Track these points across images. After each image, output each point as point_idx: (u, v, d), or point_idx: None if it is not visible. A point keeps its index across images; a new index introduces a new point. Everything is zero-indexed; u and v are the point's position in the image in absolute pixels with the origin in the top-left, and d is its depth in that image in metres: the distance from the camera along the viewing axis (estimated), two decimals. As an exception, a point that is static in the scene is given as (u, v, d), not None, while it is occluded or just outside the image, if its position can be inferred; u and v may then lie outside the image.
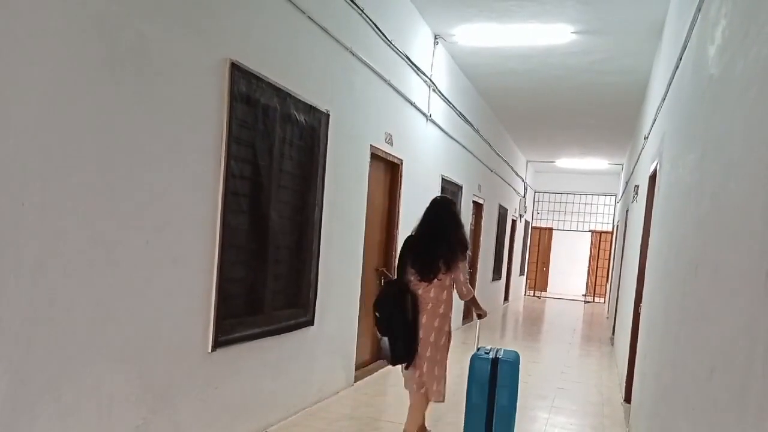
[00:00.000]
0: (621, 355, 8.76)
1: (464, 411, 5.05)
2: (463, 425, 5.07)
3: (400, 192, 8.06)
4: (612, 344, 12.06)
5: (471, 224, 12.59)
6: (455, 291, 5.18)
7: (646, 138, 7.88)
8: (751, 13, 2.37)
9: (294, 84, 5.23)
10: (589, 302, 22.57)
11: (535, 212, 23.50)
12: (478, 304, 5.44)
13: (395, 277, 5.34)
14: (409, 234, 5.29)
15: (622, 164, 17.43)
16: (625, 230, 12.07)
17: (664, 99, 5.81)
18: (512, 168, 16.96)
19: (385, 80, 7.19)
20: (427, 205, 5.38)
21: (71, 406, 3.30)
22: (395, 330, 5.01)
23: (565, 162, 19.54)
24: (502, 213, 16.06)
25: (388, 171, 7.90)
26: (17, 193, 2.87)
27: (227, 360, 4.66)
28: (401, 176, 8.07)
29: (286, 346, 5.53)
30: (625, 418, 6.69)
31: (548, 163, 20.36)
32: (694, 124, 3.67)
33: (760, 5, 2.22)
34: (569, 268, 23.89)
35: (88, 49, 3.22)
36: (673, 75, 5.08)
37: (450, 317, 5.20)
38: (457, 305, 5.66)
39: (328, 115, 5.83)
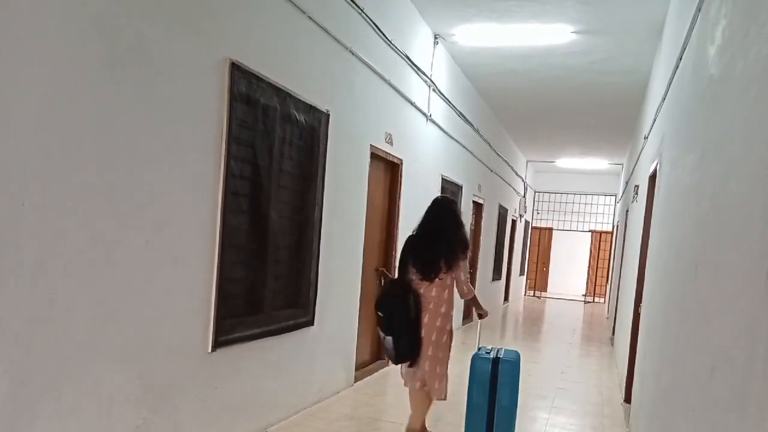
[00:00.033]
0: (621, 355, 8.76)
1: (465, 410, 5.04)
2: (464, 425, 5.06)
3: (400, 192, 8.06)
4: (612, 344, 12.06)
5: (471, 224, 12.58)
6: (456, 290, 5.21)
7: (646, 138, 7.88)
8: (751, 13, 2.37)
9: (294, 84, 5.23)
10: (589, 302, 22.56)
11: (535, 212, 23.51)
12: (479, 304, 5.47)
13: (396, 276, 5.35)
14: (411, 234, 5.31)
15: (622, 164, 17.43)
16: (625, 230, 12.07)
17: (664, 99, 5.81)
18: (512, 168, 16.96)
19: (385, 80, 7.19)
20: (428, 205, 5.40)
21: (71, 406, 3.30)
22: (399, 329, 5.01)
23: (565, 162, 19.54)
24: (502, 213, 16.05)
25: (388, 171, 7.90)
26: (17, 193, 2.87)
27: (227, 360, 4.66)
28: (401, 176, 8.07)
29: (286, 346, 5.53)
30: (625, 418, 6.69)
31: (548, 163, 20.36)
32: (694, 124, 3.67)
33: (760, 5, 2.22)
34: (569, 268, 23.89)
35: (88, 49, 3.22)
36: (673, 75, 5.08)
37: (451, 316, 5.22)
38: (457, 305, 5.65)
39: (328, 115, 5.83)
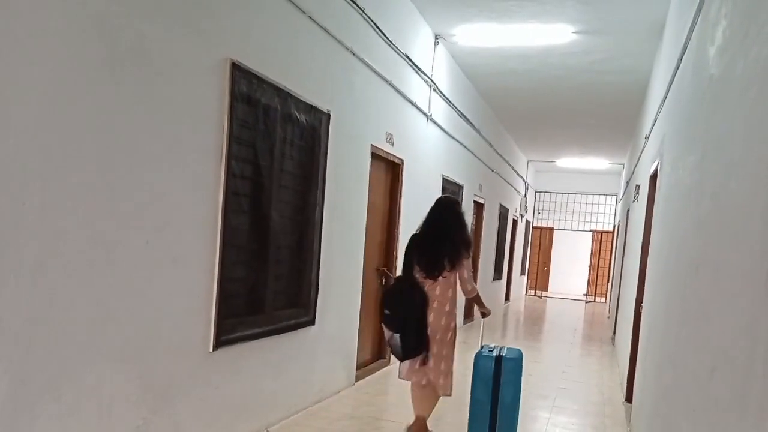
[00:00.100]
0: (622, 354, 8.75)
1: (468, 408, 5.06)
2: (467, 423, 5.07)
3: (400, 192, 8.06)
4: (613, 344, 12.05)
5: (472, 224, 12.57)
6: (460, 288, 5.28)
7: (647, 138, 7.88)
8: (751, 13, 2.37)
9: (295, 84, 5.23)
10: (590, 302, 22.57)
11: (536, 212, 23.51)
12: (482, 302, 5.55)
13: (399, 275, 5.39)
14: (414, 232, 5.37)
15: (623, 164, 17.42)
16: (626, 230, 12.06)
17: (664, 99, 5.81)
18: (513, 168, 16.96)
19: (385, 80, 7.19)
20: (432, 205, 5.46)
21: (71, 406, 3.30)
22: (406, 325, 5.06)
23: (565, 162, 19.53)
24: (503, 213, 16.05)
25: (388, 171, 7.90)
26: (17, 193, 2.87)
27: (228, 360, 4.66)
28: (402, 176, 8.07)
29: (287, 345, 5.53)
30: (626, 417, 6.69)
31: (549, 163, 20.36)
32: (695, 125, 3.67)
33: (760, 5, 2.22)
34: (570, 267, 23.87)
35: (88, 49, 3.22)
36: (674, 75, 5.08)
37: (455, 314, 5.30)
38: (459, 304, 5.66)
39: (329, 115, 5.83)
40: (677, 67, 4.89)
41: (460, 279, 5.24)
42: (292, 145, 5.30)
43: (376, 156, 7.19)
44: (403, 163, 8.04)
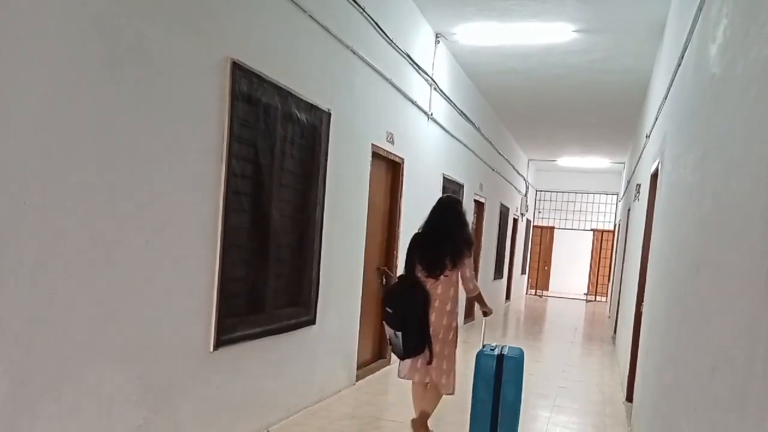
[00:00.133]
0: (622, 354, 8.75)
1: (470, 406, 5.07)
2: (468, 421, 5.08)
3: (401, 191, 8.05)
4: (613, 343, 12.06)
5: (472, 223, 12.56)
6: (462, 287, 5.32)
7: (647, 137, 7.87)
8: (751, 13, 2.37)
9: (295, 83, 5.23)
10: (590, 301, 22.57)
11: (536, 211, 23.50)
12: (484, 301, 5.57)
13: (400, 274, 5.42)
14: (416, 232, 5.39)
15: (624, 163, 17.41)
16: (626, 229, 12.06)
17: (665, 98, 5.81)
18: (513, 167, 16.96)
19: (386, 79, 7.19)
20: (434, 204, 5.50)
21: (71, 406, 3.30)
22: (407, 324, 5.07)
23: (566, 161, 19.53)
24: (504, 212, 16.05)
25: (389, 170, 7.90)
26: (17, 193, 2.87)
27: (229, 359, 4.66)
28: (402, 175, 8.07)
29: (288, 345, 5.53)
30: (627, 417, 6.69)
31: (550, 162, 20.36)
32: (696, 124, 3.67)
33: (760, 5, 2.22)
34: (571, 267, 23.86)
35: (88, 49, 3.21)
36: (675, 74, 5.08)
37: (457, 313, 5.33)
38: (460, 303, 5.67)
39: (330, 114, 5.83)
40: (678, 66, 4.89)
41: (462, 278, 5.26)
42: (293, 144, 5.30)
43: (377, 155, 7.19)
44: (403, 162, 8.04)
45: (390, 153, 7.56)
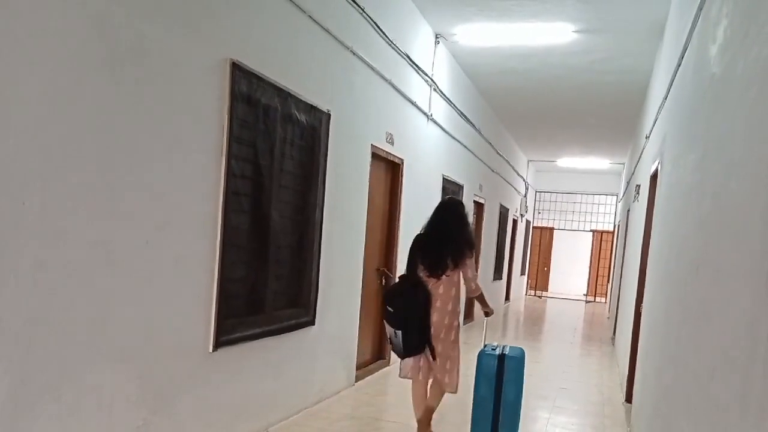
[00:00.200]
0: (622, 354, 8.75)
1: (471, 405, 5.10)
2: (470, 421, 5.12)
3: (401, 192, 8.05)
4: (613, 344, 12.05)
5: (472, 224, 12.54)
6: (464, 287, 5.39)
7: (647, 137, 7.87)
8: (751, 13, 2.37)
9: (295, 84, 5.23)
10: (590, 302, 22.57)
11: (536, 212, 23.50)
12: (486, 302, 5.61)
13: (402, 273, 5.46)
14: (419, 233, 5.43)
15: (624, 164, 17.41)
16: (626, 230, 12.06)
17: (665, 98, 5.81)
18: (513, 167, 16.96)
19: (386, 80, 7.19)
20: (436, 206, 5.57)
21: (71, 407, 3.30)
22: (408, 324, 5.10)
23: (566, 161, 19.52)
24: (503, 213, 16.05)
25: (389, 171, 7.90)
26: (17, 193, 2.87)
27: (228, 360, 4.66)
28: (402, 176, 8.07)
29: (287, 346, 5.53)
30: (626, 418, 6.69)
31: (549, 163, 20.36)
32: (696, 124, 3.67)
33: (760, 5, 2.22)
34: (570, 267, 23.86)
35: (88, 49, 3.21)
36: (675, 74, 5.08)
37: (458, 312, 5.37)
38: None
39: (329, 115, 5.82)
40: (678, 66, 4.89)
41: (464, 278, 5.31)
42: (292, 144, 5.30)
43: (377, 156, 7.19)
44: (403, 163, 8.04)
45: (390, 154, 7.56)
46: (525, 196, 19.82)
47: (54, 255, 3.10)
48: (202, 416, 4.42)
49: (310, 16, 5.38)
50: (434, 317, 5.18)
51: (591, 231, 23.38)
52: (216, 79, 4.26)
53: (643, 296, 6.47)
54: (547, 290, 24.23)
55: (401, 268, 5.58)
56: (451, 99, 9.95)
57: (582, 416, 6.92)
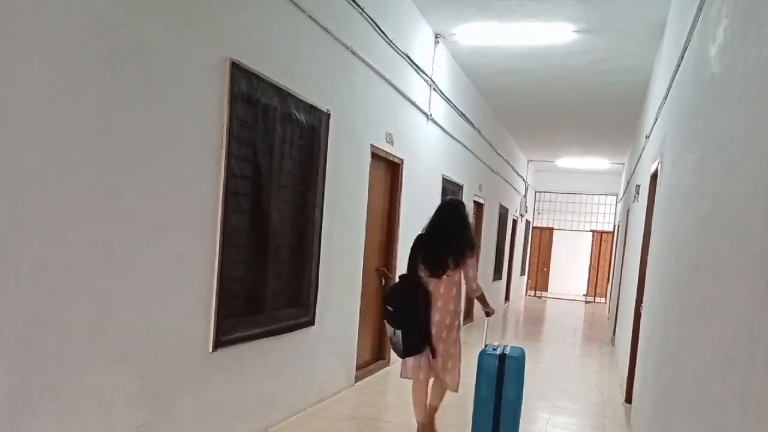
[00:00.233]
0: (622, 355, 8.75)
1: (472, 405, 5.12)
2: (471, 420, 5.14)
3: (400, 192, 8.05)
4: (613, 344, 12.05)
5: (472, 224, 12.54)
6: (464, 287, 5.42)
7: (647, 137, 7.87)
8: (751, 13, 2.37)
9: (294, 83, 5.23)
10: (590, 302, 22.55)
11: (535, 212, 23.49)
12: (486, 302, 5.67)
13: (402, 273, 5.50)
14: (420, 233, 5.46)
15: (623, 164, 17.41)
16: (626, 230, 12.06)
17: (665, 98, 5.81)
18: (513, 167, 16.96)
19: (385, 79, 7.19)
20: (437, 206, 5.63)
21: (71, 406, 3.30)
22: (408, 323, 5.14)
23: (566, 161, 19.52)
24: (503, 213, 16.05)
25: (388, 170, 7.90)
26: (17, 193, 2.87)
27: (228, 360, 4.66)
28: (402, 176, 8.07)
29: (287, 346, 5.53)
30: (626, 418, 6.69)
31: (549, 163, 20.35)
32: (696, 124, 3.67)
33: (761, 5, 2.22)
34: (570, 268, 23.85)
35: (88, 49, 3.21)
36: (675, 74, 5.08)
37: (459, 312, 5.42)
38: (458, 304, 5.70)
39: (329, 115, 5.82)
40: (678, 67, 4.89)
41: (465, 278, 5.34)
42: (292, 144, 5.30)
43: (376, 156, 7.19)
44: (402, 163, 8.04)
45: (389, 153, 7.56)
46: (525, 196, 19.83)
47: (54, 255, 3.10)
48: (202, 416, 4.42)
49: (309, 16, 5.38)
50: (436, 317, 5.21)
51: (591, 231, 23.38)
52: (216, 79, 4.26)
53: (643, 296, 6.47)
54: (546, 290, 24.23)
55: (401, 267, 5.59)
56: (450, 99, 9.95)
57: (582, 417, 6.92)
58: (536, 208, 23.49)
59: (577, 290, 23.56)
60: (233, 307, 4.65)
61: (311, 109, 5.52)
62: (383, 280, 7.78)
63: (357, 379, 7.18)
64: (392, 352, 5.62)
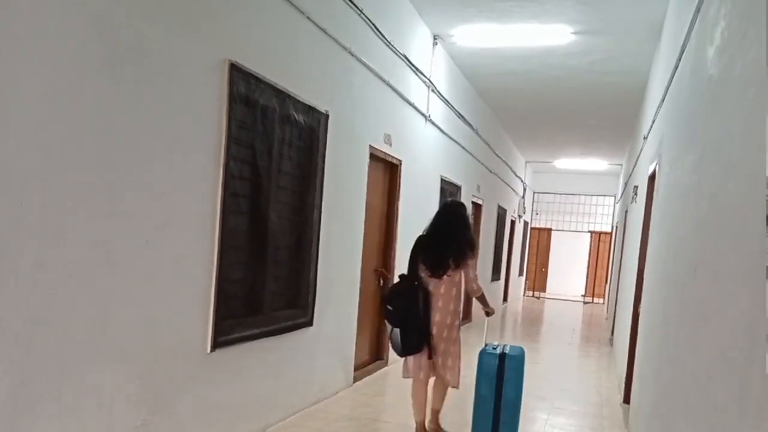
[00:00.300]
0: (620, 356, 8.76)
1: (472, 403, 5.17)
2: (471, 419, 5.17)
3: (399, 193, 8.06)
4: (611, 345, 12.06)
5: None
6: (464, 287, 5.48)
7: (645, 138, 7.88)
8: (749, 14, 2.37)
9: (293, 84, 5.23)
10: (588, 303, 22.56)
11: (534, 213, 23.50)
12: (486, 302, 5.73)
13: (402, 273, 5.54)
14: (421, 234, 5.51)
15: (622, 165, 17.42)
16: (624, 231, 12.07)
17: (663, 99, 5.81)
18: (511, 168, 16.96)
19: (384, 81, 7.19)
20: (438, 208, 5.73)
21: (71, 406, 3.30)
22: (408, 322, 5.20)
23: (564, 162, 19.53)
24: (501, 213, 16.05)
25: (387, 171, 7.90)
26: (17, 193, 2.88)
27: (227, 360, 4.66)
28: (400, 177, 8.07)
29: (286, 346, 5.53)
30: (624, 419, 6.69)
31: (547, 164, 20.36)
32: (693, 125, 3.67)
33: (759, 6, 2.22)
34: (568, 268, 23.86)
35: (88, 49, 3.22)
36: (673, 75, 5.09)
37: (459, 312, 5.48)
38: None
39: (327, 116, 5.83)
40: (676, 68, 4.90)
41: (465, 279, 5.40)
42: (291, 145, 5.30)
43: (375, 156, 7.19)
44: (401, 164, 8.05)
45: (388, 155, 7.57)
46: (523, 197, 19.84)
47: (54, 255, 3.11)
48: (201, 416, 4.43)
49: (308, 17, 5.38)
50: (436, 317, 5.26)
51: (589, 232, 23.39)
52: (215, 79, 4.26)
53: (641, 297, 6.48)
54: (545, 291, 24.23)
55: (399, 268, 5.61)
56: (449, 100, 9.96)
57: (580, 417, 6.92)
58: (534, 208, 23.49)
59: (575, 291, 23.58)
60: (232, 308, 4.65)
61: (310, 110, 5.52)
62: (381, 281, 7.79)
63: (355, 379, 7.18)
64: (390, 352, 5.65)
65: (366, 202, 7.02)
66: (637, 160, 9.61)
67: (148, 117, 3.66)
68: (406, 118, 8.19)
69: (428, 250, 5.36)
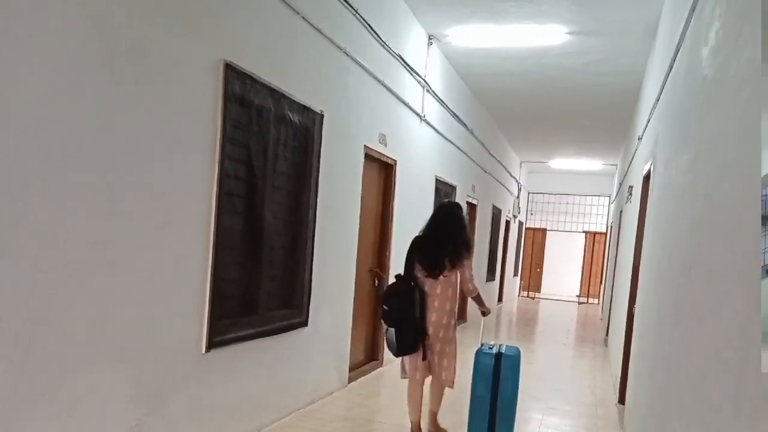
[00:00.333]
0: (615, 356, 8.78)
1: (469, 403, 5.19)
2: (467, 418, 5.19)
3: (393, 192, 8.07)
4: (606, 345, 12.09)
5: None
6: (460, 287, 5.51)
7: (640, 139, 7.90)
8: (744, 14, 2.38)
9: (288, 85, 5.24)
10: (582, 303, 22.57)
11: (528, 213, 23.51)
12: (482, 302, 5.75)
13: (398, 273, 5.56)
14: (417, 234, 5.54)
15: (616, 165, 17.45)
16: (619, 231, 12.09)
17: (658, 100, 5.83)
18: (506, 168, 16.98)
19: (379, 81, 7.20)
20: (435, 209, 5.74)
21: (70, 406, 3.31)
22: (403, 322, 5.22)
23: (559, 162, 19.54)
24: (496, 213, 16.07)
25: (381, 171, 7.91)
26: (17, 193, 2.88)
27: (221, 361, 4.67)
28: (395, 177, 8.08)
29: (280, 346, 5.54)
30: (619, 419, 6.71)
31: (542, 164, 20.37)
32: (688, 125, 3.69)
33: (754, 6, 2.24)
34: (563, 268, 23.87)
35: (88, 49, 3.23)
36: (667, 76, 5.10)
37: (455, 312, 5.50)
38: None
39: (322, 116, 5.84)
40: (670, 68, 4.91)
41: (461, 279, 5.44)
42: (286, 145, 5.31)
43: (370, 156, 7.20)
44: (396, 164, 8.06)
45: (383, 155, 7.58)
46: (517, 197, 19.85)
47: (54, 255, 3.11)
48: (196, 416, 4.43)
49: (303, 18, 5.39)
50: (433, 317, 5.30)
51: (584, 232, 23.41)
52: (211, 79, 4.27)
53: (635, 297, 6.50)
54: (539, 291, 24.23)
55: (394, 268, 5.63)
56: (444, 100, 9.97)
57: (575, 417, 6.94)
58: (529, 209, 23.50)
59: (570, 291, 23.60)
60: (227, 309, 4.66)
61: (305, 110, 5.53)
62: (376, 281, 7.80)
63: (350, 379, 7.19)
64: (386, 352, 5.67)
65: (361, 203, 7.03)
66: (631, 160, 9.63)
67: (148, 117, 3.67)
68: (401, 118, 8.20)
69: (424, 250, 5.38)
